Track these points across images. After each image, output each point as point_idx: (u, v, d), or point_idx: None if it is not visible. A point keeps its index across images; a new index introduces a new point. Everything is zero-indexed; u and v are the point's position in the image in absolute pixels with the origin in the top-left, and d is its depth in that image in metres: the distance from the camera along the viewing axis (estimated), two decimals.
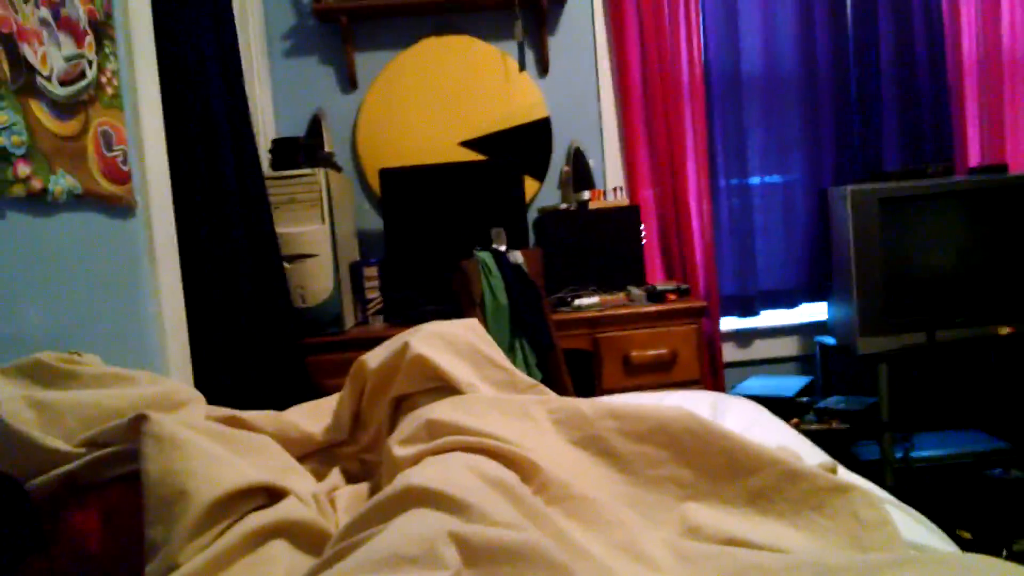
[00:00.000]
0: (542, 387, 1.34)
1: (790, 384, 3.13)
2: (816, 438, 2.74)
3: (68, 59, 1.57)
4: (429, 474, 0.83)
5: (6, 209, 1.37)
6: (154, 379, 1.28)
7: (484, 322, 2.41)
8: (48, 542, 0.95)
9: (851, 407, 2.94)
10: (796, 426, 2.82)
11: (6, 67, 1.35)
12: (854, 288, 2.89)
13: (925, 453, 2.96)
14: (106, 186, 1.67)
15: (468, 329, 1.40)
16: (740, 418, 1.72)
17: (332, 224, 2.60)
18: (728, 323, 3.40)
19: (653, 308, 2.71)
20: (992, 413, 3.23)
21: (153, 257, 1.87)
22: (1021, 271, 2.92)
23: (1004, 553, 2.54)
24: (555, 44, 3.33)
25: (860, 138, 3.35)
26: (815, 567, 0.81)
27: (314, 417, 1.43)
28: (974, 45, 3.34)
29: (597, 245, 2.96)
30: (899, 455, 2.93)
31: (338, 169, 3.00)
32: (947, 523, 2.67)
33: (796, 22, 3.31)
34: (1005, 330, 2.90)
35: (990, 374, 3.27)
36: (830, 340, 3.23)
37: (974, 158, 3.36)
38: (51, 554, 0.97)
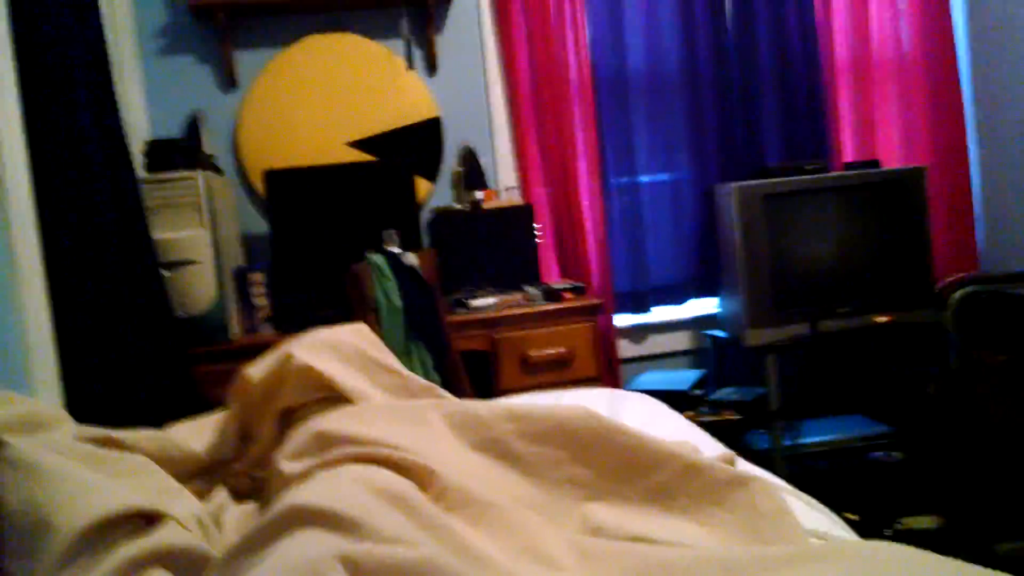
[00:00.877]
0: (437, 389, 1.31)
1: (684, 377, 3.19)
2: (711, 429, 2.78)
3: None
4: (316, 491, 0.78)
5: None
6: (13, 399, 1.17)
7: (379, 326, 2.35)
8: None
9: (742, 398, 3.02)
10: (692, 418, 2.86)
11: None
12: (741, 282, 2.97)
13: (812, 439, 3.07)
14: None
15: (356, 334, 1.35)
16: (637, 413, 1.74)
17: (214, 228, 2.49)
18: (622, 320, 3.43)
19: (550, 307, 2.71)
20: (874, 399, 3.38)
21: (14, 266, 1.73)
22: (896, 261, 3.07)
23: (890, 531, 2.66)
24: (443, 43, 3.29)
25: (743, 136, 3.45)
26: (720, 562, 0.80)
27: (198, 434, 1.34)
28: (846, 46, 3.49)
29: (492, 245, 2.94)
30: (788, 443, 3.02)
31: (219, 171, 2.88)
32: (835, 506, 2.76)
33: (678, 22, 3.38)
34: (883, 319, 3.04)
35: (871, 361, 3.41)
36: (720, 333, 3.31)
37: (849, 155, 3.51)
38: None
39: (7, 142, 1.75)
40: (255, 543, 0.73)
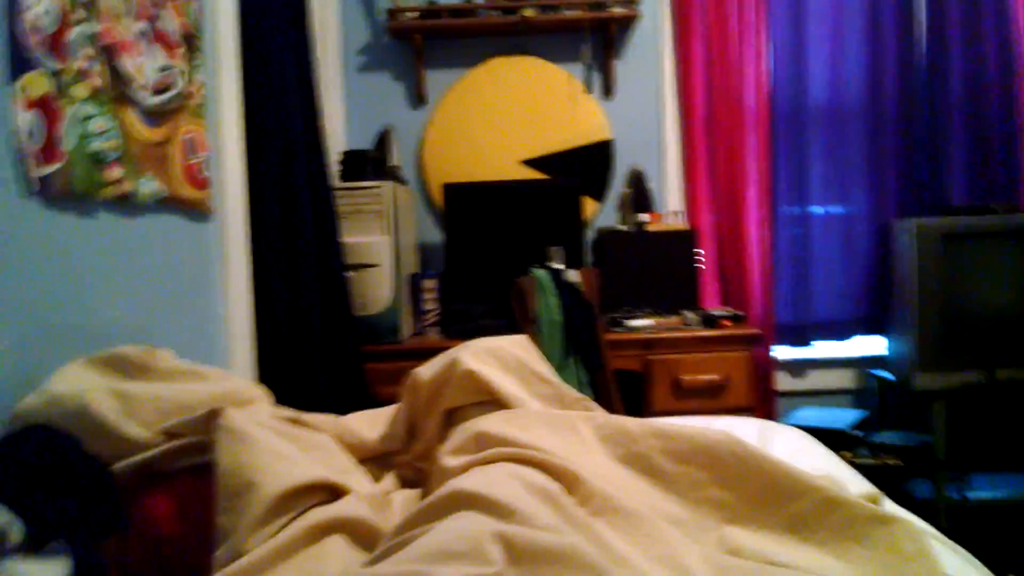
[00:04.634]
0: (589, 401, 1.38)
1: (844, 416, 3.10)
2: (868, 473, 2.71)
3: (161, 70, 1.67)
4: (476, 480, 0.88)
5: (98, 209, 1.46)
6: (224, 376, 1.36)
7: (538, 338, 2.45)
8: (127, 523, 1.02)
9: (906, 443, 2.91)
10: (848, 459, 2.79)
11: (107, 77, 1.45)
12: (913, 322, 2.86)
13: (981, 494, 2.91)
14: (187, 191, 1.77)
15: (517, 344, 1.45)
16: (787, 446, 1.73)
17: (395, 235, 2.68)
18: (782, 352, 3.38)
19: (706, 333, 2.72)
20: None
21: (226, 260, 1.96)
22: None
23: None
24: (621, 68, 3.38)
25: (926, 172, 3.31)
26: None
27: (372, 424, 1.48)
28: None
29: (654, 268, 2.98)
30: (953, 495, 2.88)
31: (404, 183, 3.09)
32: (999, 566, 2.61)
33: (865, 53, 3.29)
34: None
35: None
36: (886, 374, 3.19)
37: None
38: (126, 535, 1.04)
39: (227, 152, 1.98)
40: (422, 519, 0.84)
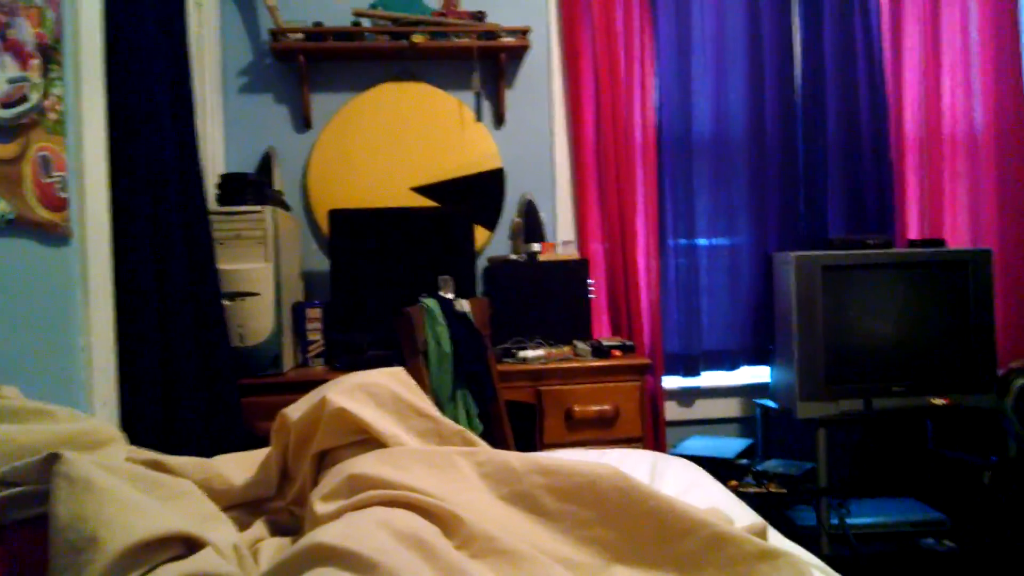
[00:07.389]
0: (469, 434, 1.32)
1: (730, 446, 3.14)
2: (753, 501, 2.75)
3: (11, 81, 1.54)
4: (338, 531, 0.81)
5: None
6: (74, 416, 1.23)
7: (427, 370, 2.38)
8: None
9: (789, 471, 2.97)
10: (734, 488, 2.83)
11: None
12: (795, 353, 2.93)
13: (860, 520, 2.99)
14: (41, 212, 1.63)
15: (391, 377, 1.38)
16: (678, 479, 1.72)
17: (277, 263, 2.57)
18: (671, 382, 3.41)
19: (598, 363, 2.72)
20: (927, 483, 3.28)
21: (86, 288, 1.82)
22: (956, 343, 3.00)
23: None
24: (512, 97, 3.37)
25: (805, 206, 3.43)
26: None
27: (244, 468, 1.38)
28: (916, 123, 3.47)
29: (545, 297, 2.97)
30: (834, 521, 2.95)
31: (287, 208, 2.98)
32: None
33: (747, 90, 3.40)
34: (940, 401, 2.96)
35: (926, 444, 3.33)
36: (771, 403, 3.26)
37: (913, 231, 3.47)
38: None
39: (90, 172, 1.84)
40: None
